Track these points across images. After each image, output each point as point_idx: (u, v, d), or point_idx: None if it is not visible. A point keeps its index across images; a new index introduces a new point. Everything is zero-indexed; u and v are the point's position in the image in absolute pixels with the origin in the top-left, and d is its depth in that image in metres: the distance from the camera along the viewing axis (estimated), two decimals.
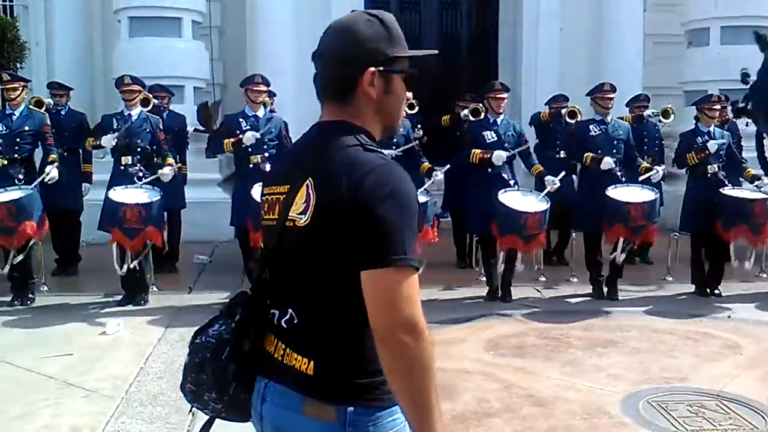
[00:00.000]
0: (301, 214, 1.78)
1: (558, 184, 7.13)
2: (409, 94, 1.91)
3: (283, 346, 1.83)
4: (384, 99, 1.83)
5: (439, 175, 7.08)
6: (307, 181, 1.78)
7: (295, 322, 1.82)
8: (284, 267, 1.85)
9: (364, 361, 1.73)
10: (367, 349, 1.71)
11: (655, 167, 7.32)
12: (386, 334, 1.64)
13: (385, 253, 1.64)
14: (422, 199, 6.80)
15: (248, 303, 1.92)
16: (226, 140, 7.03)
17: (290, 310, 1.83)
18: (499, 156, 6.96)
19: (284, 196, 1.84)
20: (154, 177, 6.96)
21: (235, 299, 1.95)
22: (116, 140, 6.91)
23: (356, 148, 1.76)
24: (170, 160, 7.16)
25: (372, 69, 1.79)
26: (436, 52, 1.94)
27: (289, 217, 1.81)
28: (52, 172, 6.92)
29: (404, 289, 1.64)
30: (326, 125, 1.87)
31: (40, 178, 6.90)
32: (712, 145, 7.22)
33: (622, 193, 7.05)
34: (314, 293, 1.78)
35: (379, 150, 1.79)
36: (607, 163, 7.08)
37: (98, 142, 7.09)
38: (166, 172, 7.00)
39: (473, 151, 7.07)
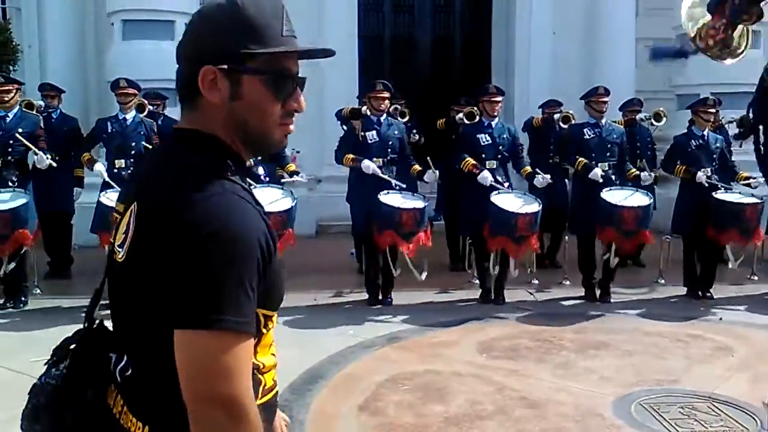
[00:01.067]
0: (120, 245, 1.44)
1: (548, 180, 7.21)
2: (302, 103, 1.49)
3: (121, 402, 1.47)
4: (232, 106, 1.43)
5: (435, 173, 7.09)
6: (132, 206, 1.42)
7: (129, 372, 1.45)
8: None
9: None
10: None
11: (642, 174, 7.37)
12: (195, 407, 1.30)
13: (200, 312, 1.28)
14: (420, 204, 6.82)
15: (84, 341, 1.57)
16: None
17: (125, 357, 1.47)
18: (485, 177, 6.97)
19: (119, 217, 1.48)
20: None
21: (73, 335, 1.62)
22: (106, 170, 6.96)
23: (194, 169, 1.39)
24: None
25: (210, 67, 1.40)
26: (330, 50, 1.52)
27: (115, 247, 1.46)
28: (41, 156, 6.85)
29: (222, 359, 1.29)
30: (176, 133, 1.51)
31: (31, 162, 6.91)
32: (700, 176, 7.25)
33: (616, 195, 7.08)
34: (142, 342, 1.41)
35: (226, 174, 1.40)
36: (595, 174, 7.11)
37: (92, 166, 7.09)
38: None
39: (466, 159, 7.08)
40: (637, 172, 7.45)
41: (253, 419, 1.34)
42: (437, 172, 7.14)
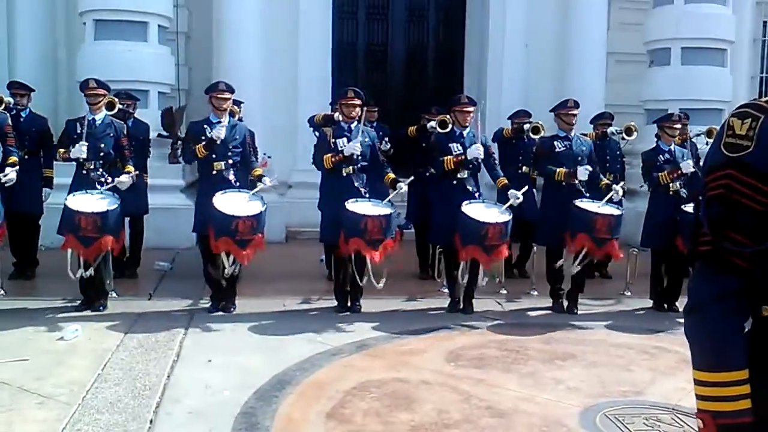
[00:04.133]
0: None
1: (521, 198, 7.18)
2: None
3: None
4: None
5: (403, 187, 7.08)
6: None
7: None
8: None
9: None
10: None
11: (614, 186, 7.41)
12: None
13: None
14: (386, 211, 6.84)
15: None
16: (197, 146, 6.92)
17: None
18: (476, 149, 7.01)
19: None
20: (111, 185, 6.87)
21: None
22: (86, 148, 6.82)
23: None
24: (129, 167, 7.06)
25: None
26: None
27: None
28: (11, 175, 6.79)
29: None
30: None
31: None
32: (686, 165, 7.33)
33: (588, 205, 7.15)
34: None
35: None
36: (582, 172, 7.17)
37: (69, 155, 6.95)
38: (124, 180, 6.90)
39: (446, 157, 7.09)
40: (608, 182, 7.52)
41: None
42: (406, 186, 7.10)
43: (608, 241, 7.13)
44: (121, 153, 7.09)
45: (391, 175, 7.15)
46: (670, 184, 7.42)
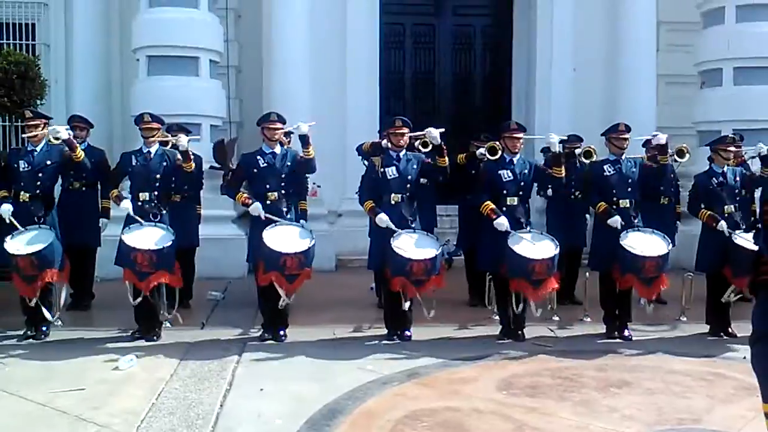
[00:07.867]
0: None
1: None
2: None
3: None
4: None
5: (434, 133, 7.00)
6: None
7: None
8: None
9: None
10: None
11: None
12: None
13: None
14: (432, 253, 6.84)
15: None
16: (239, 195, 7.10)
17: None
18: (501, 224, 6.94)
19: None
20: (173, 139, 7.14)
21: None
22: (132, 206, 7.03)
23: None
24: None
25: None
26: None
27: None
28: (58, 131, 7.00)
29: None
30: None
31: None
32: (722, 225, 7.17)
33: (635, 242, 7.02)
34: None
35: None
36: (615, 221, 7.09)
37: (119, 203, 7.09)
38: (183, 141, 7.04)
39: (486, 203, 7.06)
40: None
41: None
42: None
43: (657, 278, 7.02)
44: (177, 178, 7.27)
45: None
46: (725, 207, 7.30)
